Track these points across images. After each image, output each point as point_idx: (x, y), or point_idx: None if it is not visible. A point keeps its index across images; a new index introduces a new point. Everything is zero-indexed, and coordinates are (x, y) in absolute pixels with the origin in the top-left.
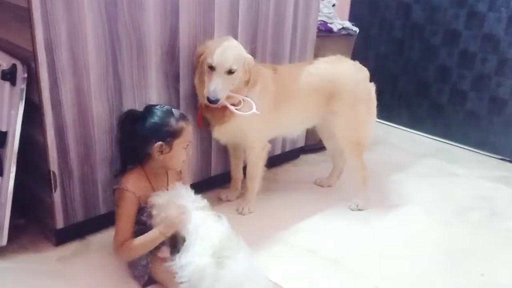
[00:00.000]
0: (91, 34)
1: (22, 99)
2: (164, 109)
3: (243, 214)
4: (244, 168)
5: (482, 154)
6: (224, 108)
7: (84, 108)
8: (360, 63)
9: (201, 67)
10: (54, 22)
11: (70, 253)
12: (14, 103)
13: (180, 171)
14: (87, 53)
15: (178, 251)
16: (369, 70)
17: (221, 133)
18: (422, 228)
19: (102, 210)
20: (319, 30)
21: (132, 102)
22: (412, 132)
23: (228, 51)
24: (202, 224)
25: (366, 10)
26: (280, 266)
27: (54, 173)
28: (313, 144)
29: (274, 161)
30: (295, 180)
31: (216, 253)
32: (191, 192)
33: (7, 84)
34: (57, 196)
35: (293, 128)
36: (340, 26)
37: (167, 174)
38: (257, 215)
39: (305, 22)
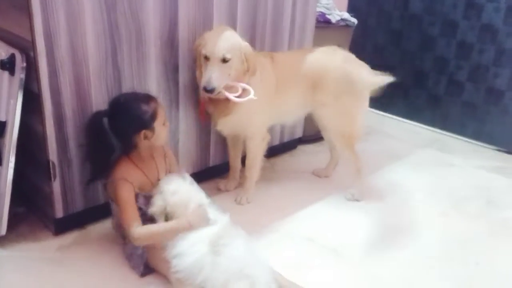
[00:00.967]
0: (90, 23)
1: (21, 88)
2: (130, 99)
3: (242, 204)
4: (243, 159)
5: (479, 144)
6: (227, 100)
7: (83, 97)
8: (358, 54)
9: (199, 59)
10: (53, 11)
11: (69, 242)
12: (13, 93)
13: (164, 153)
14: (86, 43)
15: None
16: (367, 61)
17: (224, 125)
18: (419, 218)
19: (102, 199)
20: (318, 21)
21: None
22: (409, 123)
23: (221, 40)
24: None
25: (364, 1)
26: (278, 254)
27: (53, 162)
28: (311, 134)
29: (272, 152)
30: (293, 170)
31: (213, 242)
32: (194, 183)
33: (6, 74)
34: (56, 185)
35: (288, 116)
36: (339, 17)
37: (153, 157)
38: (255, 205)
39: (303, 13)
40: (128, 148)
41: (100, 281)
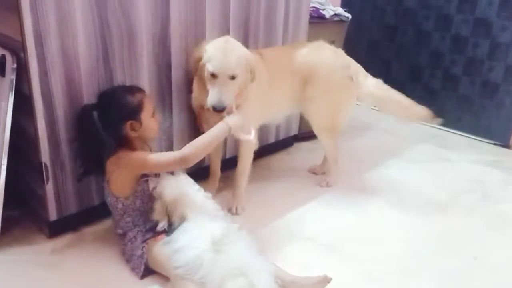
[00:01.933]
0: (81, 23)
1: (12, 90)
2: (117, 90)
3: (238, 214)
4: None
5: (475, 139)
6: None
7: (75, 98)
8: (353, 49)
9: (200, 72)
10: (43, 11)
11: (63, 245)
12: (4, 95)
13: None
14: (77, 43)
15: (172, 230)
16: (362, 56)
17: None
18: (415, 212)
19: (96, 201)
20: (311, 17)
21: None
22: None
23: (230, 56)
24: (203, 212)
25: None
26: (275, 252)
27: (46, 165)
28: (306, 132)
29: (268, 149)
30: (289, 167)
31: (215, 242)
32: (193, 181)
33: None
34: (49, 188)
35: (278, 115)
36: (333, 13)
37: (149, 147)
38: (251, 203)
39: (297, 9)
40: (118, 141)
41: (95, 285)
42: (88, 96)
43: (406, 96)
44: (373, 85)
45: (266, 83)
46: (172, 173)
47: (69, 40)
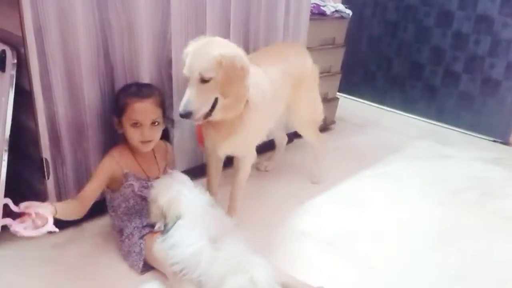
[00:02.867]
0: (81, 18)
1: (12, 85)
2: (130, 83)
3: None
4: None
5: (475, 136)
6: (231, 120)
7: (75, 93)
8: (353, 45)
9: None
10: (43, 6)
11: (64, 240)
12: (4, 90)
13: (169, 157)
14: (78, 38)
15: (167, 231)
16: (362, 52)
17: (228, 148)
18: (415, 209)
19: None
20: (312, 13)
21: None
22: (405, 115)
23: (202, 56)
24: (199, 209)
25: None
26: (274, 248)
27: (46, 160)
28: None
29: (267, 146)
30: (289, 164)
31: (212, 238)
32: (188, 179)
33: None
34: (50, 183)
35: (274, 123)
36: (333, 9)
37: (154, 151)
38: (250, 199)
39: (297, 5)
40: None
41: (96, 279)
42: (89, 91)
43: None
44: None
45: (270, 100)
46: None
47: (69, 35)
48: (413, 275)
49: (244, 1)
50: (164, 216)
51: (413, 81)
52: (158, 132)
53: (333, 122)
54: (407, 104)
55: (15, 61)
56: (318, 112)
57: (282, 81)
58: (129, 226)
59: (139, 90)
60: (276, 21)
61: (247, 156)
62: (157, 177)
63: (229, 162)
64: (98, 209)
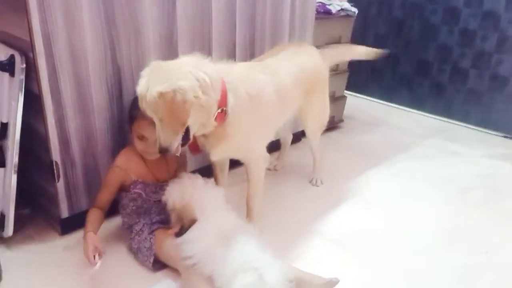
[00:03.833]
0: (88, 21)
1: (21, 89)
2: None
3: None
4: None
5: (484, 132)
6: (219, 127)
7: (84, 97)
8: (359, 44)
9: None
10: (50, 10)
11: (75, 242)
12: (13, 94)
13: (180, 160)
14: (85, 41)
15: (182, 234)
16: None
17: (220, 154)
18: (425, 207)
19: None
20: (318, 12)
21: (132, 90)
22: (413, 112)
23: (146, 96)
24: (214, 208)
25: None
26: (285, 247)
27: (56, 163)
28: None
29: (276, 145)
30: (297, 163)
31: (227, 235)
32: (200, 177)
33: (6, 75)
34: (60, 186)
35: (282, 125)
36: (339, 7)
37: (166, 159)
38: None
39: (303, 4)
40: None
41: (108, 280)
42: (97, 94)
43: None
44: (328, 54)
45: (272, 104)
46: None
47: (76, 39)
48: (422, 274)
49: (250, 1)
50: (180, 220)
51: (420, 78)
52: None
53: (341, 120)
54: (415, 101)
55: (24, 65)
56: (326, 113)
57: (293, 86)
58: (138, 223)
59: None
60: (282, 21)
61: (256, 162)
62: (166, 180)
63: (237, 161)
64: (108, 210)
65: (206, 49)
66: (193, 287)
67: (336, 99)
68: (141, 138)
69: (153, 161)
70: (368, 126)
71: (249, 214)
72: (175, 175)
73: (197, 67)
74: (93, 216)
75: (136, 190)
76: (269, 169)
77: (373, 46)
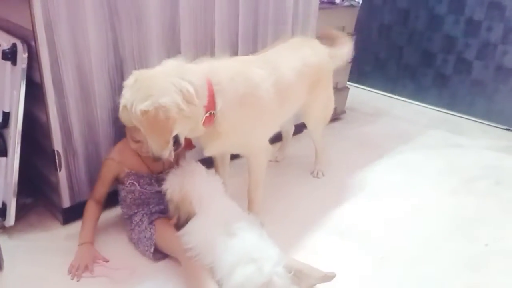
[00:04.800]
0: (91, 11)
1: (23, 79)
2: None
3: None
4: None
5: (488, 124)
6: (211, 128)
7: (86, 86)
8: (364, 34)
9: None
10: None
11: (77, 231)
12: (15, 83)
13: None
14: (87, 31)
15: (181, 227)
16: (373, 41)
17: (215, 150)
18: (428, 199)
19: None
20: (322, 2)
21: None
22: (416, 104)
23: (131, 112)
24: (214, 199)
25: None
26: (286, 239)
27: (58, 152)
28: None
29: (278, 136)
30: (299, 155)
31: (227, 226)
32: (200, 166)
33: (8, 64)
34: (62, 175)
35: (287, 119)
36: None
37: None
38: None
39: None
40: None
41: (109, 269)
42: (99, 84)
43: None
44: (338, 52)
45: (271, 101)
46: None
47: (79, 28)
48: (427, 264)
49: None
50: (177, 212)
51: (424, 69)
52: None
53: (344, 111)
54: (419, 92)
55: (26, 54)
56: (330, 108)
57: (296, 81)
58: (137, 213)
59: None
60: (286, 10)
61: (256, 155)
62: (161, 172)
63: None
64: (109, 200)
65: (208, 38)
66: (194, 277)
67: (339, 90)
68: (134, 139)
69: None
70: (371, 117)
71: (250, 206)
72: (170, 166)
73: (181, 76)
74: (90, 212)
75: (130, 181)
76: (270, 160)
77: (378, 36)
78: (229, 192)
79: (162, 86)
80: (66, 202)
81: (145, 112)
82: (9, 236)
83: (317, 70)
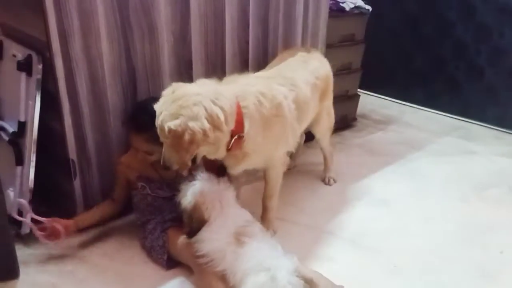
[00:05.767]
0: (103, 22)
1: (38, 89)
2: (149, 100)
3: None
4: None
5: (500, 130)
6: (237, 151)
7: (99, 96)
8: (374, 41)
9: None
10: (66, 11)
11: (90, 239)
12: (31, 94)
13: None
14: (100, 42)
15: (193, 235)
16: (382, 48)
17: (240, 169)
18: (440, 206)
19: None
20: (331, 10)
21: (146, 90)
22: (427, 111)
23: (159, 125)
24: (226, 207)
25: None
26: (298, 246)
27: (73, 161)
28: None
29: None
30: (311, 162)
31: (238, 233)
32: (214, 177)
33: (23, 75)
34: (77, 183)
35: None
36: (352, 5)
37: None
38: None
39: (316, 2)
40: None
41: (122, 276)
42: (112, 93)
43: None
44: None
45: (292, 116)
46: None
47: (92, 39)
48: (438, 273)
49: None
50: (191, 220)
51: (435, 76)
52: (153, 158)
53: (355, 119)
54: (430, 99)
55: (41, 65)
56: (333, 116)
57: (311, 94)
58: (151, 221)
59: (140, 120)
60: (295, 19)
61: (275, 167)
62: (173, 178)
63: None
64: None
65: (219, 47)
66: (206, 285)
67: (349, 98)
68: (135, 149)
69: (159, 161)
70: (382, 124)
71: (264, 214)
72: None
73: (215, 100)
74: (101, 203)
75: (141, 183)
76: None
77: (387, 43)
78: (241, 200)
79: (194, 109)
80: (80, 209)
81: (172, 131)
82: (25, 243)
83: (326, 82)
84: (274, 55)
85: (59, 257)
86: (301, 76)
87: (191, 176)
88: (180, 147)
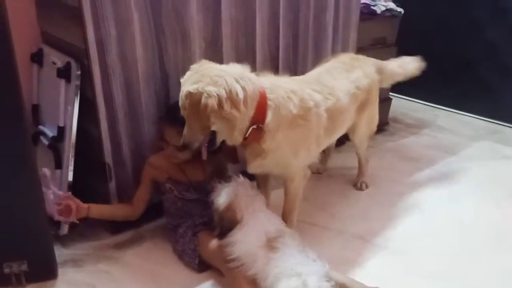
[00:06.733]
0: (138, 29)
1: (77, 95)
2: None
3: None
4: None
5: None
6: (257, 142)
7: (134, 101)
8: (404, 44)
9: None
10: (103, 20)
11: (125, 241)
12: (70, 99)
13: (215, 162)
14: (135, 49)
15: (223, 236)
16: (414, 50)
17: (257, 168)
18: (473, 211)
19: (154, 199)
20: (362, 13)
21: (178, 95)
22: (461, 114)
23: (181, 91)
24: (257, 211)
25: None
26: (329, 252)
27: (108, 164)
28: None
29: None
30: (341, 166)
31: (269, 238)
32: (248, 181)
33: (62, 81)
34: (112, 186)
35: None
36: (384, 8)
37: (201, 161)
38: (302, 201)
39: (347, 6)
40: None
41: (154, 278)
42: (145, 98)
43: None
44: (390, 67)
45: (321, 126)
46: (227, 177)
47: (127, 46)
48: (470, 277)
49: (293, 3)
50: (221, 221)
51: (466, 78)
52: (184, 154)
53: (387, 123)
54: (463, 102)
55: (79, 72)
56: (376, 121)
57: (348, 105)
58: (182, 225)
59: (175, 113)
60: (326, 22)
61: (293, 179)
62: (201, 181)
63: None
64: (156, 210)
65: (250, 52)
66: None
67: (381, 101)
68: (167, 142)
69: (187, 162)
70: (414, 128)
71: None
72: (211, 177)
73: (239, 79)
74: (116, 205)
75: (168, 185)
76: (312, 172)
77: (418, 45)
78: (271, 205)
79: (214, 78)
80: None
81: (189, 94)
82: (63, 244)
83: (368, 92)
84: (305, 61)
85: (95, 258)
86: (341, 86)
87: (226, 179)
88: (196, 112)
